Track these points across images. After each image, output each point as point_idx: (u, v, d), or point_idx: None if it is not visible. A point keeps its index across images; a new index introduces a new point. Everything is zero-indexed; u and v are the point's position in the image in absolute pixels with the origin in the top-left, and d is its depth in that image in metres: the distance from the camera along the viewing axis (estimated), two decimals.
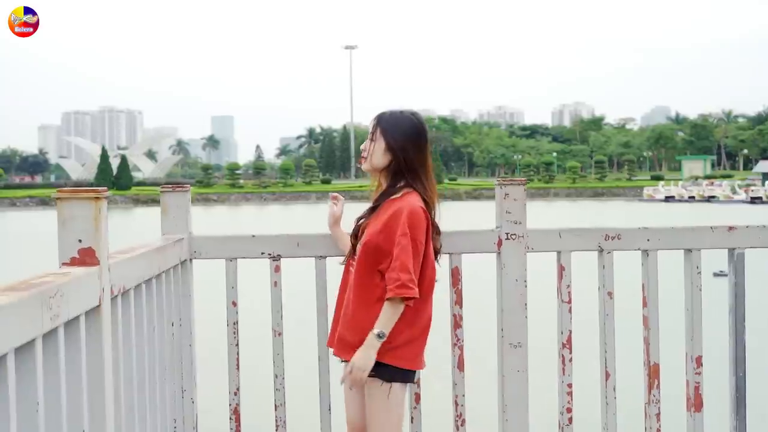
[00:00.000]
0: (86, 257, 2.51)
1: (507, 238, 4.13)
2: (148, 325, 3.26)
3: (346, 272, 3.95)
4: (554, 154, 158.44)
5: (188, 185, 4.19)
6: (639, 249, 4.20)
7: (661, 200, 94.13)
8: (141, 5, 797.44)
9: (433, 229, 3.88)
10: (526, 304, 4.15)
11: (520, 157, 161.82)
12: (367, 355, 3.68)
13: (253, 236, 4.13)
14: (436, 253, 3.93)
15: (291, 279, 3.97)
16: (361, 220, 3.93)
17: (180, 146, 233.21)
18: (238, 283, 4.14)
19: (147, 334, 3.25)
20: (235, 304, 4.15)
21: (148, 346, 3.25)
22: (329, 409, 4.14)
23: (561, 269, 4.17)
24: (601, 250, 4.19)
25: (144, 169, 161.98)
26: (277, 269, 4.15)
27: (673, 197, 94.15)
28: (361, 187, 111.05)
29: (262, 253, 4.15)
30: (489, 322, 4.61)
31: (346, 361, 3.81)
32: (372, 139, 3.90)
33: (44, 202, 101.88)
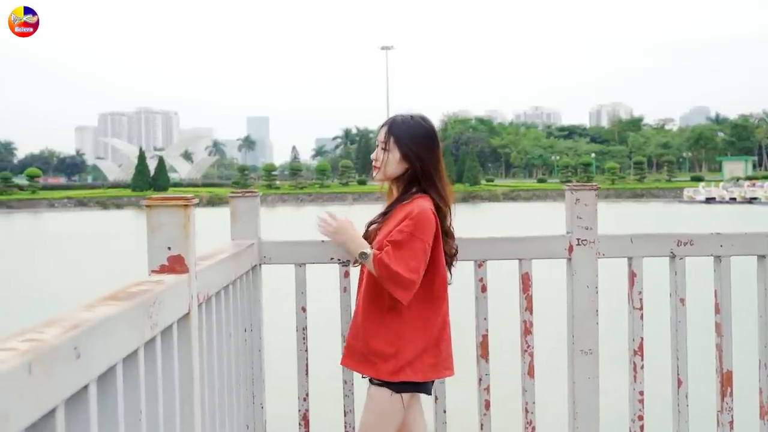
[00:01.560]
0: (175, 265, 2.51)
1: (578, 244, 4.09)
2: (225, 332, 3.26)
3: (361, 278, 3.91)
4: (592, 155, 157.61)
5: (257, 191, 4.18)
6: (711, 255, 4.15)
7: (702, 202, 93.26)
8: (177, 7, 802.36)
9: (447, 234, 3.81)
10: (597, 311, 4.11)
11: (557, 158, 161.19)
12: (352, 240, 3.72)
13: (323, 241, 4.11)
14: (451, 257, 3.85)
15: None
16: (372, 226, 3.88)
17: (216, 147, 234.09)
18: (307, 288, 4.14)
19: (225, 341, 3.25)
20: (304, 309, 4.14)
21: (225, 352, 3.25)
22: None
23: (632, 275, 4.13)
24: (673, 256, 4.15)
25: (180, 170, 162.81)
26: (346, 275, 4.14)
27: (714, 199, 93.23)
28: None
29: (332, 259, 4.13)
30: (550, 327, 4.59)
31: (377, 382, 3.74)
32: (385, 149, 3.78)
33: (82, 203, 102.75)
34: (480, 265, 4.12)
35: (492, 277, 4.11)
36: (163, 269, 2.50)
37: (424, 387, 3.73)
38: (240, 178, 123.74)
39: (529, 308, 4.11)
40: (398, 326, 3.66)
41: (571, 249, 4.09)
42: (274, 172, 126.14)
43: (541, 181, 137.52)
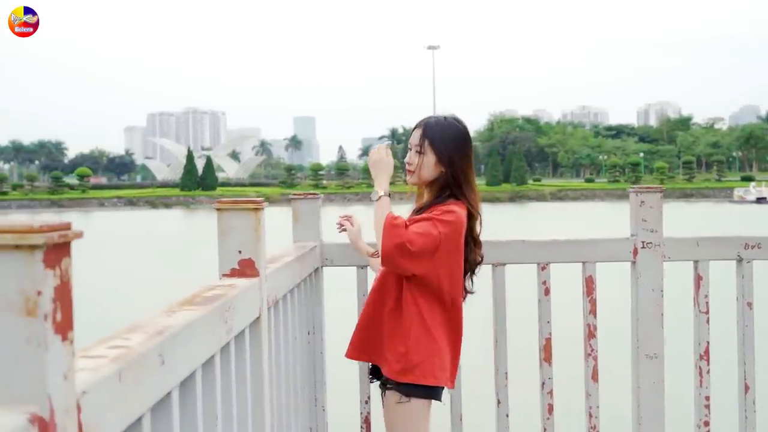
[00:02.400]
0: (246, 268, 2.50)
1: (643, 247, 4.03)
2: (291, 335, 3.26)
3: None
4: (641, 154, 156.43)
5: (319, 193, 4.17)
6: None
7: (753, 202, 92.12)
8: (225, 8, 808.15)
9: (474, 242, 3.70)
10: (662, 314, 4.05)
11: (605, 157, 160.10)
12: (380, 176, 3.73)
13: None
14: (475, 265, 3.73)
15: None
16: None
17: (263, 147, 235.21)
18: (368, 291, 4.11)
19: (291, 344, 3.24)
20: None
21: (292, 355, 3.25)
22: (460, 419, 4.09)
23: (698, 279, 4.07)
24: (740, 260, 4.08)
25: (228, 170, 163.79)
26: None
27: (764, 199, 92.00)
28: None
29: None
30: (611, 331, 4.54)
31: (387, 386, 3.63)
32: (420, 152, 3.68)
33: (131, 203, 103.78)
34: (543, 268, 4.08)
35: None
36: (233, 273, 2.50)
37: (432, 391, 3.58)
38: (287, 177, 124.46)
39: (593, 311, 4.06)
40: (408, 326, 3.55)
41: (635, 252, 4.04)
42: (320, 172, 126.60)
43: (588, 180, 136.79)
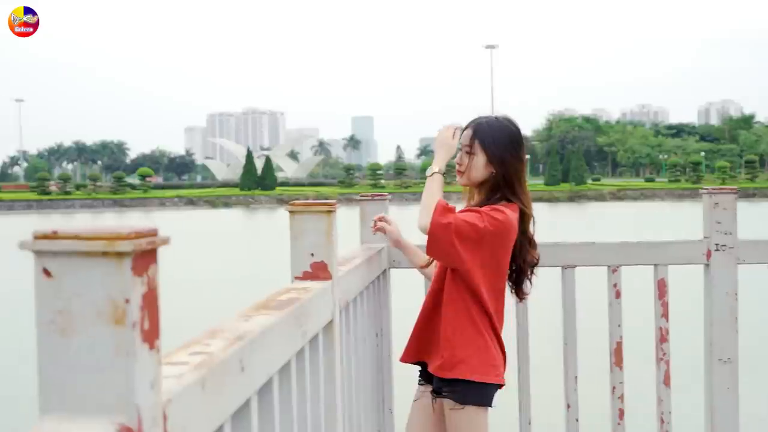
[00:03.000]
0: (318, 271, 2.48)
1: (716, 249, 3.95)
2: (361, 337, 3.23)
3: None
4: (702, 153, 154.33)
5: (387, 194, 4.13)
6: None
7: None
8: (282, 8, 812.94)
9: (529, 242, 3.64)
10: (736, 318, 3.96)
11: (666, 156, 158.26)
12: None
13: None
14: (531, 266, 3.66)
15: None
16: None
17: (321, 147, 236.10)
18: None
19: (361, 346, 3.22)
20: None
21: (361, 358, 3.23)
22: (529, 423, 4.04)
23: None
24: None
25: (287, 170, 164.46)
26: None
27: None
28: None
29: None
30: (682, 334, 4.46)
31: (440, 393, 3.58)
32: (470, 152, 3.60)
33: (191, 202, 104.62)
34: (614, 270, 4.01)
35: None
36: (306, 276, 2.48)
37: (485, 393, 3.48)
38: (345, 177, 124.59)
39: (665, 315, 3.98)
40: (453, 322, 3.50)
41: (709, 254, 3.96)
42: (379, 172, 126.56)
43: (648, 180, 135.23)
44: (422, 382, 3.72)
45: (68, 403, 1.06)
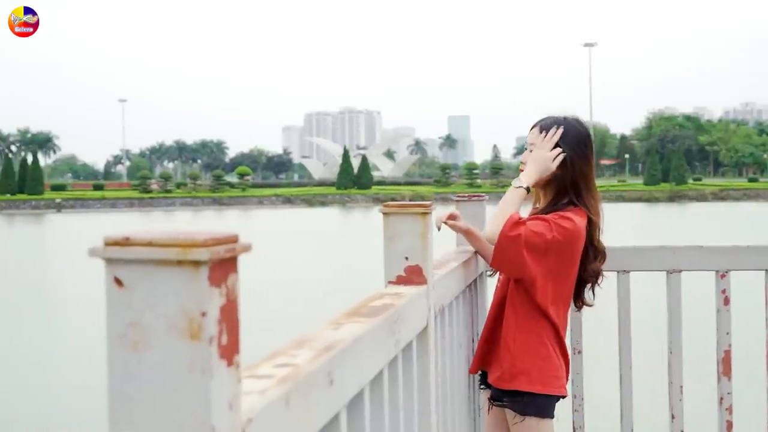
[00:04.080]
0: (413, 276, 2.39)
1: None
2: (457, 343, 3.13)
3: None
4: None
5: (484, 194, 4.02)
6: None
7: None
8: (379, 7, 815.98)
9: (595, 250, 3.47)
10: None
11: None
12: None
13: None
14: (595, 275, 3.51)
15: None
16: None
17: (417, 146, 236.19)
18: None
19: (456, 352, 3.12)
20: None
21: (456, 365, 3.13)
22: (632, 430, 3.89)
23: None
24: None
25: (383, 169, 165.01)
26: None
27: None
28: (601, 187, 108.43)
29: None
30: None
31: (484, 387, 3.54)
32: (533, 151, 3.49)
33: (289, 201, 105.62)
34: (722, 276, 3.83)
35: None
36: (399, 280, 2.39)
37: (546, 405, 3.36)
38: (441, 176, 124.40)
39: None
40: (514, 332, 3.38)
41: None
42: (475, 171, 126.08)
43: (752, 180, 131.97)
44: (483, 387, 3.62)
45: (139, 422, 0.98)
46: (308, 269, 27.42)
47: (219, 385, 0.99)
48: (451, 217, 3.52)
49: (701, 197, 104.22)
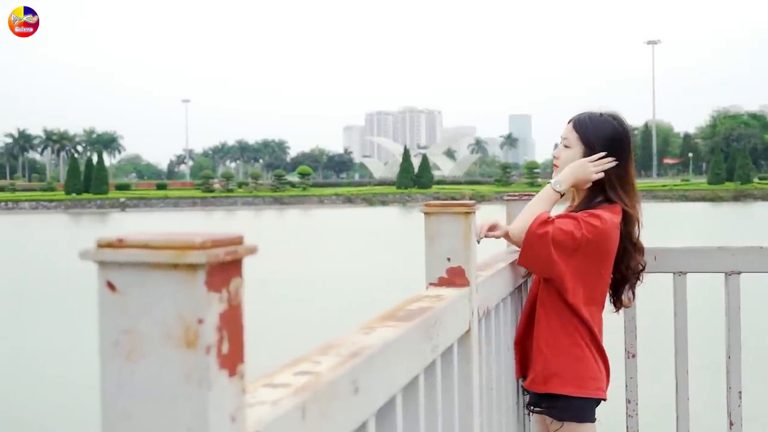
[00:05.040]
0: (455, 277, 2.31)
1: None
2: (504, 347, 3.04)
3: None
4: None
5: (535, 194, 3.91)
6: None
7: None
8: (439, 7, 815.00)
9: (634, 247, 3.37)
10: None
11: None
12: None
13: None
14: (635, 273, 3.41)
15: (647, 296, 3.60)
16: None
17: (478, 145, 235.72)
18: None
19: (504, 357, 3.03)
20: None
21: (503, 371, 3.04)
22: None
23: None
24: None
25: (443, 168, 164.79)
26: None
27: None
28: (664, 186, 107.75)
29: None
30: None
31: (537, 409, 3.37)
32: (567, 146, 3.41)
33: (349, 200, 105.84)
34: None
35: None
36: (441, 282, 2.31)
37: (584, 409, 3.26)
38: (502, 176, 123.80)
39: None
40: (546, 333, 3.28)
41: None
42: (536, 170, 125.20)
43: None
44: (525, 392, 3.52)
45: None
46: (364, 269, 27.38)
47: (219, 397, 0.92)
48: (492, 228, 3.40)
49: (767, 196, 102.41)
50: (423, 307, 1.92)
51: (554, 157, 3.50)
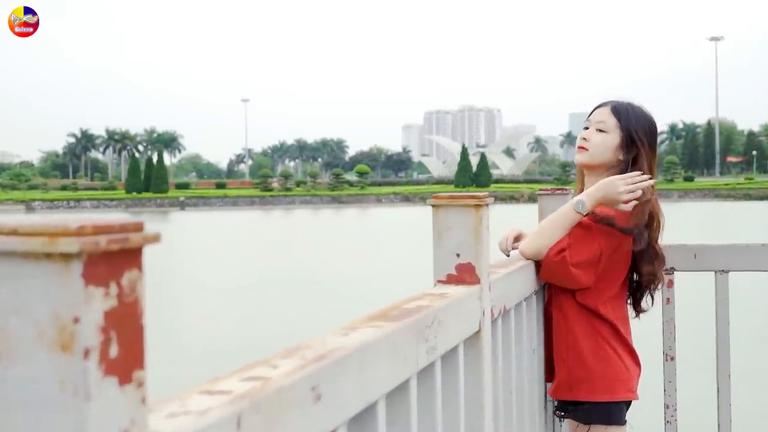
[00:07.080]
0: (465, 274, 2.16)
1: None
2: (527, 349, 2.88)
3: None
4: None
5: (569, 188, 3.75)
6: None
7: None
8: (502, 4, 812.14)
9: (652, 251, 3.15)
10: None
11: None
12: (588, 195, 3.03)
13: None
14: (651, 279, 3.21)
15: (686, 295, 3.42)
16: None
17: (538, 143, 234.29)
18: None
19: (527, 359, 2.87)
20: None
21: (526, 374, 2.87)
22: None
23: None
24: None
25: (502, 167, 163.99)
26: (670, 284, 3.61)
27: None
28: (727, 185, 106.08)
29: None
30: None
31: (562, 414, 3.24)
32: (602, 130, 3.16)
33: (407, 199, 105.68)
34: None
35: None
36: (450, 279, 2.17)
37: (612, 412, 3.10)
38: (561, 174, 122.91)
39: None
40: (570, 339, 3.12)
41: None
42: None
43: None
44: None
45: None
46: (422, 266, 27.20)
47: (103, 409, 0.79)
48: (518, 238, 3.22)
49: None
50: (420, 306, 1.79)
51: (583, 138, 3.24)
